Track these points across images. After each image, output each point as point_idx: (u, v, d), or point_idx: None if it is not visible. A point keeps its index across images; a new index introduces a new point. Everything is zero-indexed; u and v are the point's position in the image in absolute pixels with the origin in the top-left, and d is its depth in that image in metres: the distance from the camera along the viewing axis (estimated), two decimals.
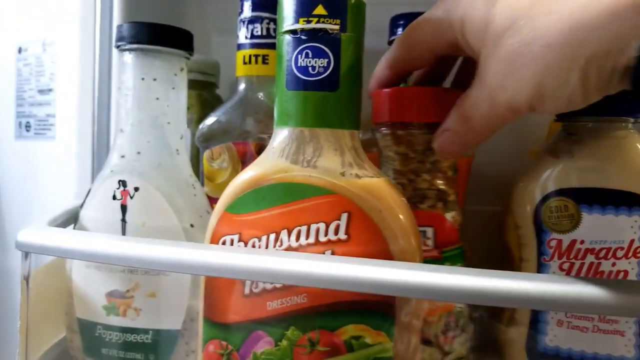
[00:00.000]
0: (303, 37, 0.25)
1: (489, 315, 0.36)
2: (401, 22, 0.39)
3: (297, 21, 0.25)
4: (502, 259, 0.39)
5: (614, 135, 0.29)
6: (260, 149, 0.33)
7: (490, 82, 0.23)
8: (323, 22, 0.24)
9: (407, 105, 0.30)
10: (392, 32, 0.39)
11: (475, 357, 0.37)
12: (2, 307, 0.54)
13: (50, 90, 0.50)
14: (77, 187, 0.48)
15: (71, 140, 0.47)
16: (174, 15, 0.48)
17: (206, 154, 0.34)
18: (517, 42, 0.21)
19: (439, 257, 0.30)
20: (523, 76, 0.21)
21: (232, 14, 0.50)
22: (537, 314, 0.30)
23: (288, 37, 0.25)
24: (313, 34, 0.25)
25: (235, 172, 0.34)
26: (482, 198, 0.44)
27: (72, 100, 0.47)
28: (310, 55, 0.25)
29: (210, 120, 0.34)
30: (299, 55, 0.25)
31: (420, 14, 0.38)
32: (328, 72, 0.25)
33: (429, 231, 0.30)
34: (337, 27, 0.25)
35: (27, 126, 0.53)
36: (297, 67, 0.25)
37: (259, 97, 0.34)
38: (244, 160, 0.34)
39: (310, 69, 0.25)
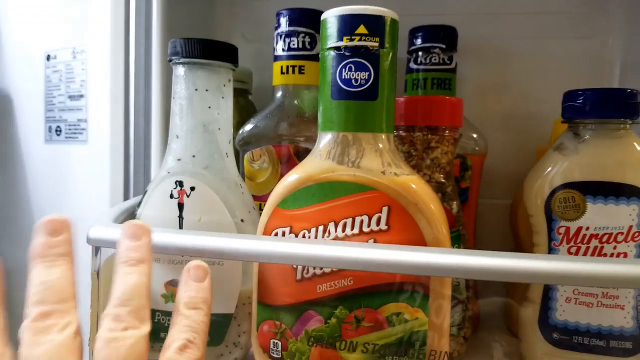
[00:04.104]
0: (347, 53, 0.28)
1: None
2: (419, 34, 0.42)
3: (341, 39, 0.28)
4: (515, 244, 0.44)
5: (614, 135, 0.33)
6: (297, 150, 0.37)
7: None
8: (364, 40, 0.28)
9: (411, 111, 0.35)
10: (412, 42, 0.43)
11: (485, 334, 0.42)
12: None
13: (81, 96, 0.53)
14: (110, 188, 0.50)
15: (104, 143, 0.50)
16: (204, 25, 0.51)
17: (247, 156, 0.38)
18: None
19: None
20: None
21: (258, 24, 0.54)
22: (548, 292, 0.34)
23: (332, 53, 0.29)
24: (356, 50, 0.28)
25: (275, 172, 0.37)
26: (492, 192, 0.48)
27: (105, 106, 0.50)
28: (353, 69, 0.28)
29: (249, 125, 0.38)
30: (343, 69, 0.28)
31: (434, 26, 0.42)
32: (369, 83, 0.28)
33: None
34: (376, 44, 0.28)
35: (58, 130, 0.56)
36: (341, 80, 0.28)
37: (295, 103, 0.38)
38: (282, 162, 0.37)
39: (353, 81, 0.28)
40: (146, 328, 0.22)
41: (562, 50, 0.49)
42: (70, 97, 0.54)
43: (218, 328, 0.33)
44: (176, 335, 0.23)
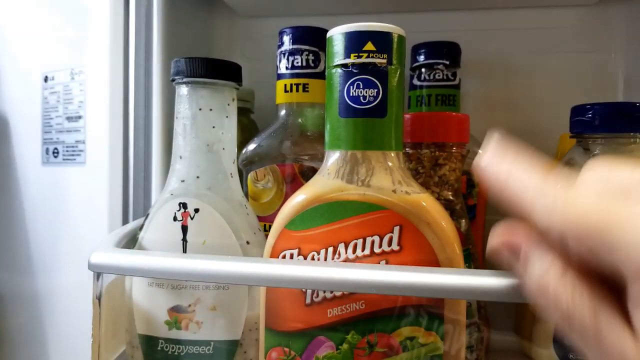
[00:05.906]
0: (354, 70, 0.28)
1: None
2: (422, 50, 0.42)
3: (348, 56, 0.28)
4: None
5: (624, 149, 0.32)
6: (302, 169, 0.36)
7: None
8: (373, 57, 0.27)
9: (418, 128, 0.35)
10: (415, 59, 0.43)
11: (498, 357, 0.41)
12: (32, 326, 0.55)
13: (79, 117, 0.52)
14: (108, 211, 0.49)
15: (103, 165, 0.49)
16: (205, 44, 0.51)
17: (251, 176, 0.37)
18: None
19: None
20: None
21: (257, 43, 0.54)
22: None
23: (340, 70, 0.28)
24: (364, 68, 0.28)
25: (279, 192, 0.36)
26: (498, 209, 0.47)
27: (103, 127, 0.49)
28: (361, 86, 0.28)
29: (252, 145, 0.37)
30: (351, 86, 0.28)
31: (437, 42, 0.42)
32: (377, 100, 0.28)
33: None
34: (384, 60, 0.28)
35: (55, 152, 0.55)
36: (349, 97, 0.28)
37: (299, 122, 0.37)
38: (287, 181, 0.36)
39: (361, 98, 0.28)
40: None
41: (565, 65, 0.49)
42: (68, 119, 0.53)
43: (224, 355, 0.32)
44: None
